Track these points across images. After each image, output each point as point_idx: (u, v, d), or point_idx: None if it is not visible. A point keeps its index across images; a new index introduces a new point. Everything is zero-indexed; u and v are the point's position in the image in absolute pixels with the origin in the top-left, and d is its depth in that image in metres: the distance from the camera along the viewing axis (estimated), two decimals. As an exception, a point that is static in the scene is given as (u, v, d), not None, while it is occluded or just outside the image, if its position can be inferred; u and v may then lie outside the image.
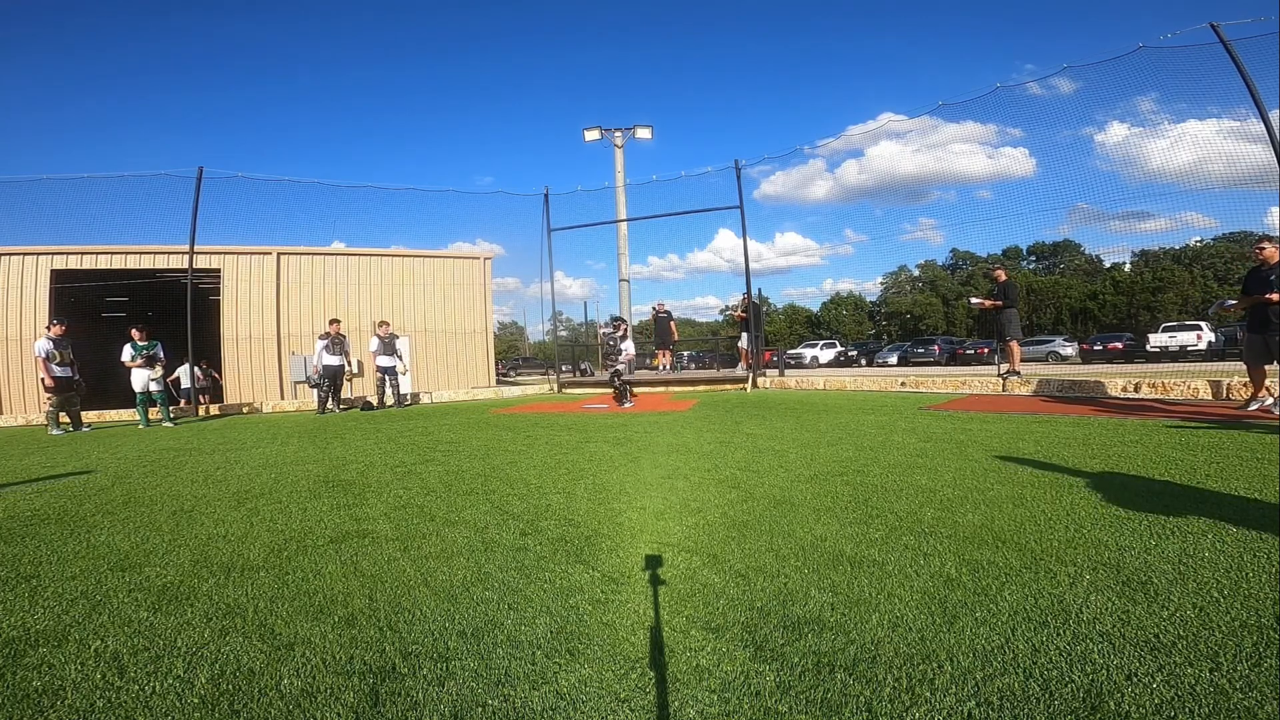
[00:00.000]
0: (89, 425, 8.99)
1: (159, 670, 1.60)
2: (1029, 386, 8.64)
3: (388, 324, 11.19)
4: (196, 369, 11.90)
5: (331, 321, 10.80)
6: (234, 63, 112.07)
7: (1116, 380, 8.00)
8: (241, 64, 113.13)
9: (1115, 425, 5.17)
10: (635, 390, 9.88)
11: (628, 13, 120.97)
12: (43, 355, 8.35)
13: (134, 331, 8.92)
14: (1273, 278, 5.57)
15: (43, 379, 8.44)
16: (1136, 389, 7.60)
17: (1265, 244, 5.75)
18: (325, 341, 10.37)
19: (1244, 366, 6.23)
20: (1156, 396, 7.30)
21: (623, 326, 9.93)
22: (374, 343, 10.85)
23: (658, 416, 7.35)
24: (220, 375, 12.82)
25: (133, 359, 8.79)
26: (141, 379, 8.83)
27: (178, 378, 12.26)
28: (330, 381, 10.29)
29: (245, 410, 11.13)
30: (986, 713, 1.31)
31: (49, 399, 8.41)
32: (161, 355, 9.06)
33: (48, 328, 8.68)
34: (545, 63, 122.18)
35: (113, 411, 10.61)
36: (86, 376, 9.09)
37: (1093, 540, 2.30)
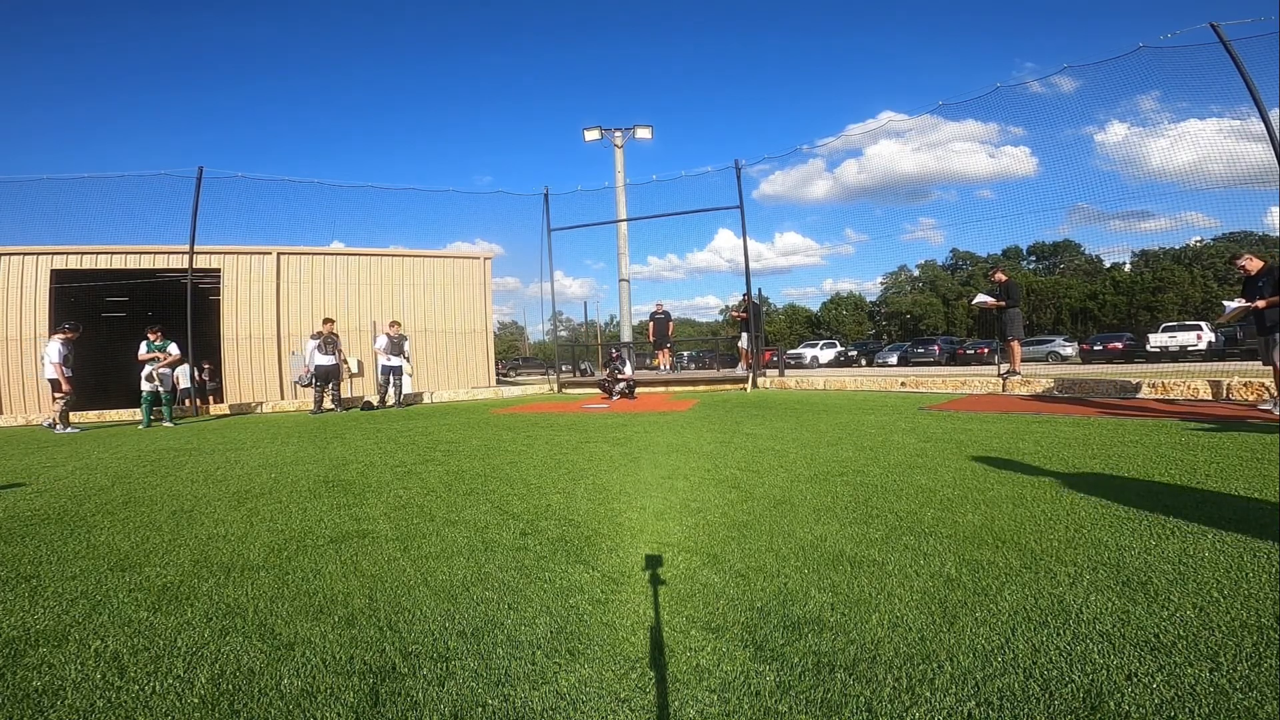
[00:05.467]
0: (77, 426, 9.02)
1: (159, 670, 1.60)
2: (1029, 386, 8.64)
3: (399, 324, 11.25)
4: (196, 370, 11.93)
5: (325, 321, 10.81)
6: (234, 63, 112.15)
7: (1119, 380, 8.00)
8: (241, 64, 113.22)
9: (1115, 425, 5.17)
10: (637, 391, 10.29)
11: (628, 13, 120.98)
12: (59, 359, 8.42)
13: (150, 333, 9.15)
14: (1260, 284, 5.76)
15: (55, 380, 8.45)
16: (1137, 389, 7.60)
17: (1243, 259, 6.02)
18: (317, 341, 10.39)
19: (1246, 368, 6.31)
20: (1157, 396, 7.31)
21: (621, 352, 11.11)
22: (382, 340, 10.86)
23: (658, 416, 7.35)
24: (212, 376, 12.90)
25: (147, 353, 8.97)
26: (151, 382, 8.93)
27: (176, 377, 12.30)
28: (323, 381, 10.29)
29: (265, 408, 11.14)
30: (986, 713, 1.31)
31: (59, 399, 8.45)
32: (176, 353, 9.23)
33: (62, 329, 8.70)
34: (545, 63, 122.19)
35: (113, 411, 10.61)
36: (83, 377, 9.17)
37: (1093, 540, 2.30)
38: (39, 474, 4.74)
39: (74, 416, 8.66)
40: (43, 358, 8.76)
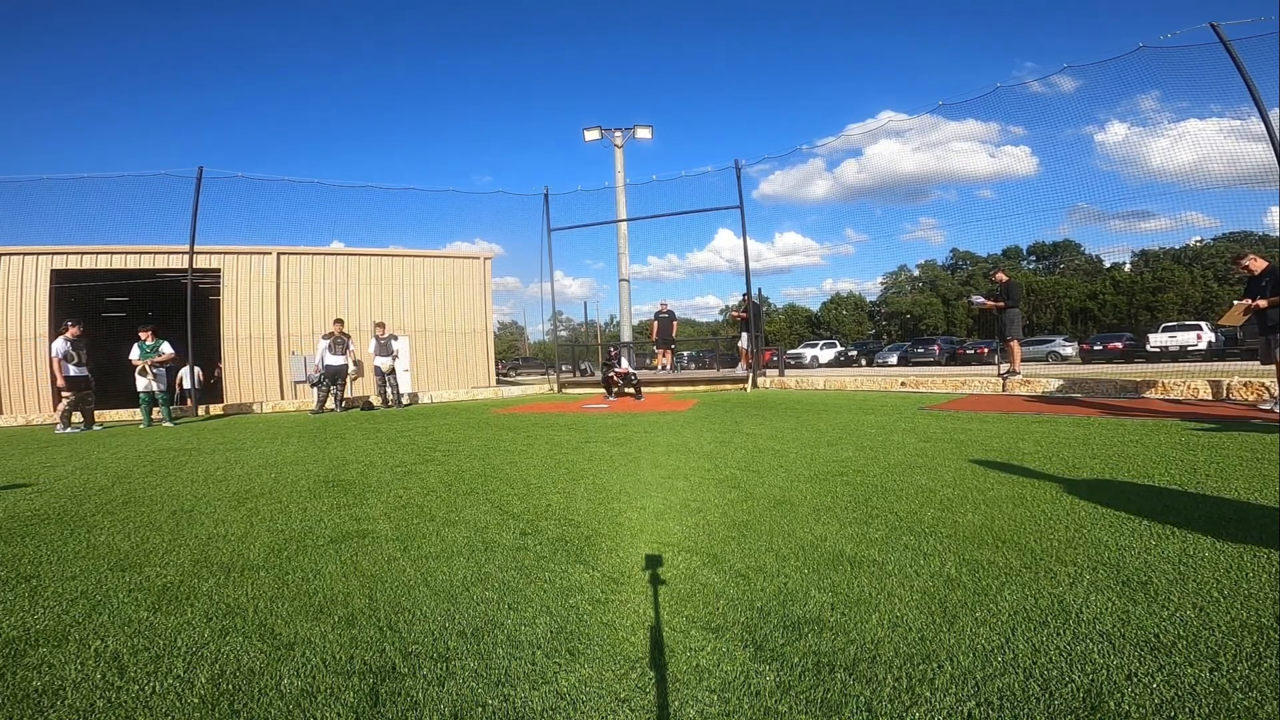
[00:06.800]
0: (99, 425, 9.07)
1: (159, 670, 1.60)
2: (1029, 386, 8.64)
3: (383, 325, 11.45)
4: (209, 370, 11.98)
5: (335, 321, 10.94)
6: (234, 63, 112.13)
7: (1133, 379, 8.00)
8: (241, 64, 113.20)
9: (1115, 425, 5.17)
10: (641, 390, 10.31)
11: (628, 13, 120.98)
12: (59, 355, 8.45)
13: (141, 333, 9.13)
14: (1263, 284, 5.82)
15: (54, 377, 8.49)
16: (1137, 389, 7.60)
17: (1246, 259, 6.09)
18: (328, 341, 10.46)
19: (1246, 367, 6.35)
20: (1158, 396, 7.31)
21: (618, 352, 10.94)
22: (372, 344, 11.10)
23: (658, 416, 7.34)
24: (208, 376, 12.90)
25: (141, 358, 8.96)
26: (144, 379, 8.94)
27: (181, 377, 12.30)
28: (331, 381, 10.37)
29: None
30: (986, 713, 1.31)
31: (66, 398, 8.47)
32: (170, 352, 9.21)
33: (64, 327, 8.72)
34: (545, 63, 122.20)
35: (113, 411, 10.60)
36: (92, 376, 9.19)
37: (1093, 540, 2.30)
38: (39, 474, 4.74)
39: (76, 417, 8.63)
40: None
